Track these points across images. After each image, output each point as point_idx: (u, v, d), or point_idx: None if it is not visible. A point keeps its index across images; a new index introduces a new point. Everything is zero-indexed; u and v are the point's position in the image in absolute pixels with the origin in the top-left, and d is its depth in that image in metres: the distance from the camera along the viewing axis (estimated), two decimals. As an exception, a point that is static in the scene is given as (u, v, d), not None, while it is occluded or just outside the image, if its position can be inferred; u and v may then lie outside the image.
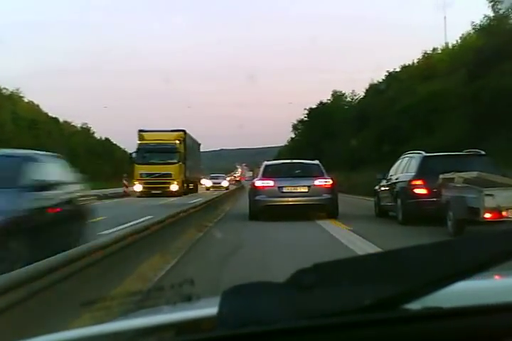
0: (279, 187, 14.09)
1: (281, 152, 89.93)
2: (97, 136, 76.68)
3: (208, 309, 0.93)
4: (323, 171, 14.73)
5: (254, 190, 14.45)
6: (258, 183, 14.49)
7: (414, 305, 0.83)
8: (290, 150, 74.03)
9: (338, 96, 64.77)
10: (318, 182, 14.15)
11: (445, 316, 0.84)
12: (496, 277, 1.12)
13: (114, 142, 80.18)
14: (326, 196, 13.99)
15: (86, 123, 74.50)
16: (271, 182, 14.21)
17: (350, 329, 0.81)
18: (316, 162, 15.35)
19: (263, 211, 14.14)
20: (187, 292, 1.12)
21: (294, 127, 72.60)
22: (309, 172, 14.58)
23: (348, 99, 63.59)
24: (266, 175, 14.59)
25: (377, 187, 15.10)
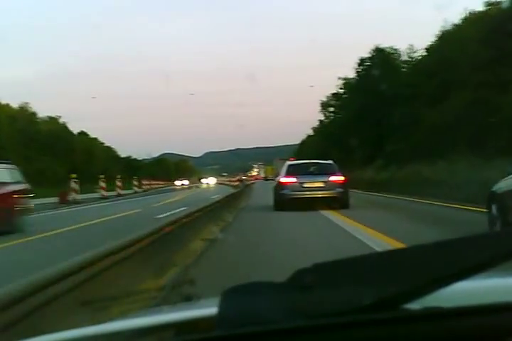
0: (300, 183, 16.62)
1: (304, 144, 79.51)
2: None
3: (208, 309, 0.93)
4: (337, 169, 17.25)
5: (280, 186, 16.98)
6: (283, 180, 17.05)
7: (415, 305, 0.83)
8: (317, 140, 62.43)
9: (387, 55, 45.50)
10: (332, 178, 16.65)
11: (445, 316, 0.84)
12: (496, 277, 1.11)
13: (103, 139, 70.03)
14: (338, 190, 16.42)
15: (26, 103, 61.23)
16: (293, 179, 16.76)
17: (350, 329, 0.81)
18: (331, 162, 17.83)
19: (287, 202, 16.47)
20: (187, 292, 1.13)
21: (323, 106, 57.52)
22: (325, 170, 17.05)
23: (404, 57, 45.65)
24: (289, 173, 17.12)
25: (497, 189, 8.73)
